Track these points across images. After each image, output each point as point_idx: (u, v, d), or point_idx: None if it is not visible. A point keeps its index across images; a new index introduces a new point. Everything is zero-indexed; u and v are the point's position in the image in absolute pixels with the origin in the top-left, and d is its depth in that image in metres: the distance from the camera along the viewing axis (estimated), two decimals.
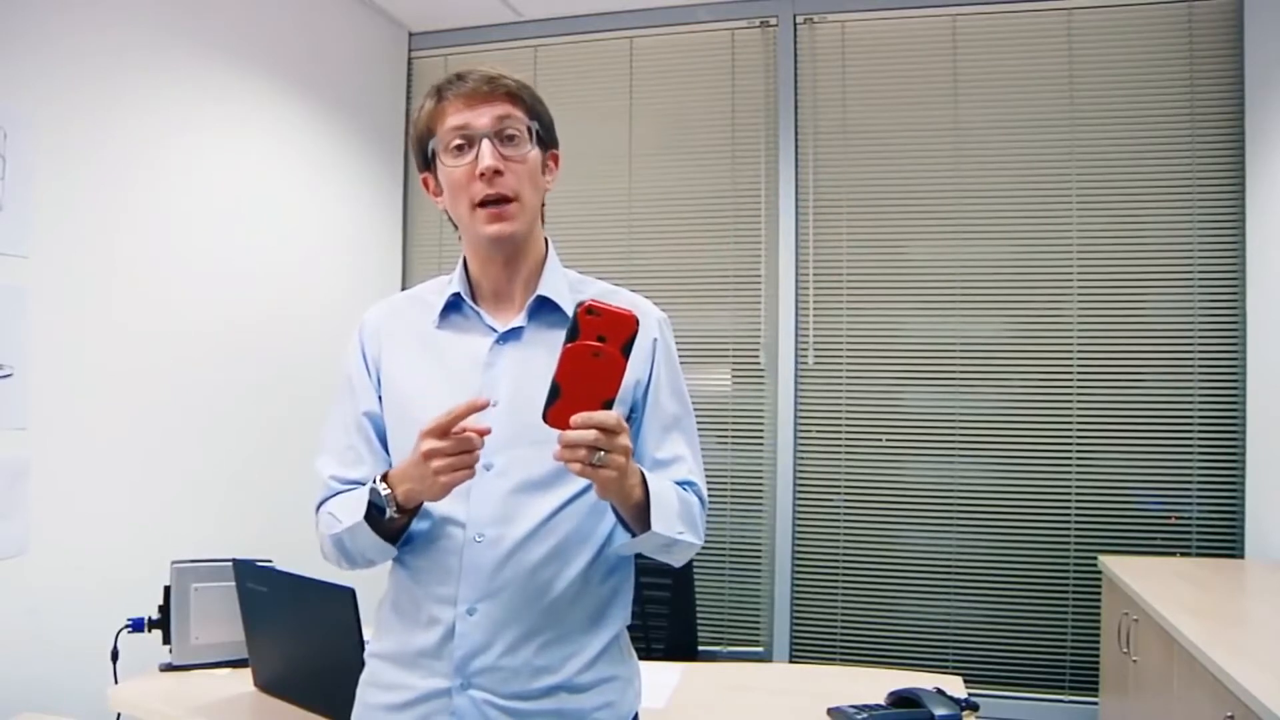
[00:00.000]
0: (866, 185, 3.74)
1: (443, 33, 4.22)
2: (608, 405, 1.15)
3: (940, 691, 1.98)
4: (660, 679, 2.22)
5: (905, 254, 3.69)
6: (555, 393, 1.14)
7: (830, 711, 1.98)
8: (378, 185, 4.03)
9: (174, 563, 2.28)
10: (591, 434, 1.13)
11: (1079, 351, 3.49)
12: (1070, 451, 3.49)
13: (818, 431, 3.75)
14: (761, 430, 3.82)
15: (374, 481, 1.28)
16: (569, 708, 1.32)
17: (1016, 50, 3.61)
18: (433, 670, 1.31)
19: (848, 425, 3.72)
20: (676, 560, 1.38)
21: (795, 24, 3.82)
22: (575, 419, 1.13)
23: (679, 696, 2.14)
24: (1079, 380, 3.49)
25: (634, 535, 1.30)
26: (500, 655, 1.29)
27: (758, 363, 3.84)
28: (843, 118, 3.78)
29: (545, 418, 1.14)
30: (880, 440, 3.68)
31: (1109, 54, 3.52)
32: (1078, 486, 3.47)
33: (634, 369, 1.37)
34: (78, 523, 2.59)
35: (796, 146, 3.79)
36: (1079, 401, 3.49)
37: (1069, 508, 3.48)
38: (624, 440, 1.16)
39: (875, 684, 2.08)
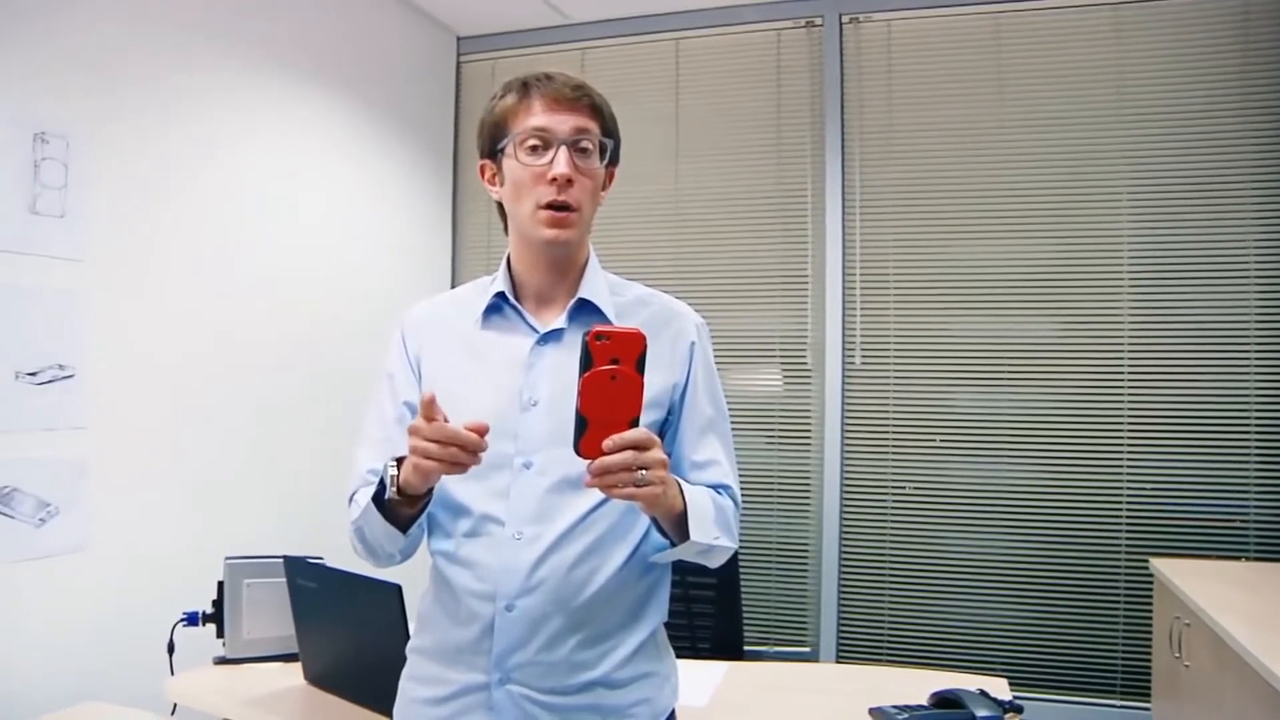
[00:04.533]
0: (913, 184, 3.71)
1: (490, 36, 4.26)
2: (634, 424, 1.16)
3: (983, 693, 1.97)
4: (703, 677, 2.23)
5: (952, 253, 3.66)
6: (582, 424, 1.15)
7: (871, 711, 1.97)
8: (427, 189, 4.09)
9: (227, 559, 2.34)
10: (627, 455, 1.14)
11: (1130, 351, 3.43)
12: (1121, 452, 3.43)
13: (865, 431, 3.73)
14: (809, 430, 3.81)
15: (390, 460, 1.27)
16: (606, 703, 1.34)
17: (1062, 46, 3.55)
18: (472, 665, 1.33)
19: (895, 425, 3.69)
20: (712, 563, 1.40)
21: (841, 23, 3.80)
22: (606, 443, 1.14)
23: (720, 695, 2.15)
24: (1130, 380, 3.43)
25: (672, 543, 1.31)
26: (538, 651, 1.31)
27: (805, 363, 3.83)
28: (888, 117, 3.75)
29: (577, 450, 1.15)
30: (927, 440, 3.65)
31: (1158, 48, 3.45)
32: (1129, 488, 3.41)
33: (672, 372, 1.40)
34: (135, 520, 2.66)
35: (842, 145, 3.77)
36: (1130, 401, 3.43)
37: (1120, 509, 3.42)
38: (658, 453, 1.17)
39: (918, 684, 2.07)
